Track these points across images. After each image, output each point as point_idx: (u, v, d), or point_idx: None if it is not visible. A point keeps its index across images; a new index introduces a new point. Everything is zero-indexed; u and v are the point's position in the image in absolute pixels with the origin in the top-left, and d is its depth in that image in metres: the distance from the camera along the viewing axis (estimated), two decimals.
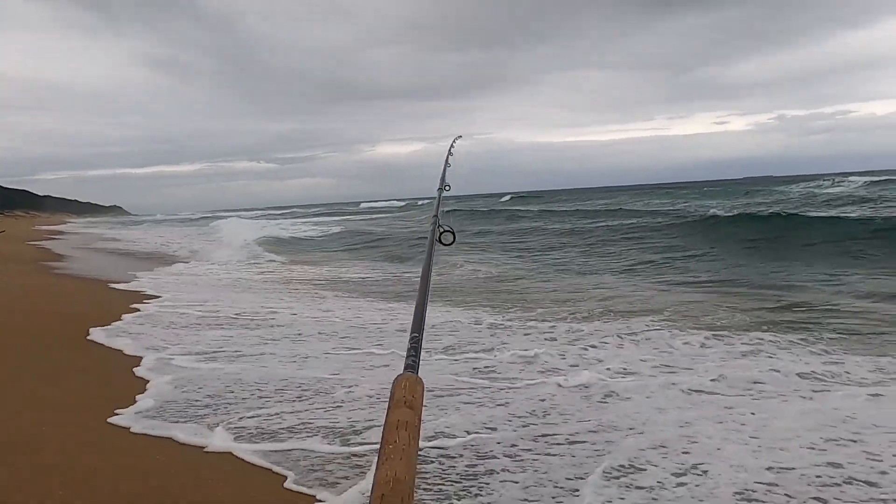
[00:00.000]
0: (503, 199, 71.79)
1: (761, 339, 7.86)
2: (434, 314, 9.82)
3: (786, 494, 4.12)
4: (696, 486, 4.27)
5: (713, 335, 8.09)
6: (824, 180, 54.78)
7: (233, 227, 39.84)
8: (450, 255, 17.61)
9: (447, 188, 3.79)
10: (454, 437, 5.13)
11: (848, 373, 6.47)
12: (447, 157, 4.42)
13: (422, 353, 1.79)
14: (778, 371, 6.53)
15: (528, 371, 6.91)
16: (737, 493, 4.16)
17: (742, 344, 7.67)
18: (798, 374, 6.44)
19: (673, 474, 4.43)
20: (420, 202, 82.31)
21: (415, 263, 18.70)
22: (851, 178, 52.42)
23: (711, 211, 20.62)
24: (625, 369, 6.87)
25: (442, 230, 2.77)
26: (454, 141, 5.04)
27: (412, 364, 1.59)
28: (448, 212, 44.26)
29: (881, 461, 4.52)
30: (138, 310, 10.47)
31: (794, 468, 4.44)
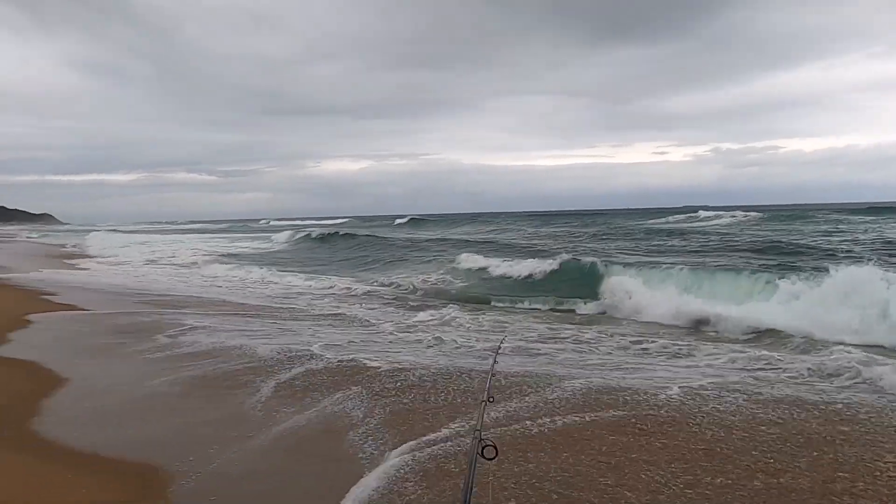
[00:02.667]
0: (397, 223, 71.12)
1: None
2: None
3: None
4: None
5: None
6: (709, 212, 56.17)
7: (98, 239, 42.93)
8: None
9: (490, 400, 3.35)
10: None
11: None
12: (491, 368, 3.85)
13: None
14: None
15: None
16: None
17: None
18: None
19: None
20: (304, 227, 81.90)
21: None
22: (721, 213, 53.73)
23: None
24: None
25: (484, 444, 2.47)
26: (500, 344, 4.76)
27: None
28: (318, 236, 44.11)
29: None
30: None
31: None
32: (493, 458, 2.41)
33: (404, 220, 74.38)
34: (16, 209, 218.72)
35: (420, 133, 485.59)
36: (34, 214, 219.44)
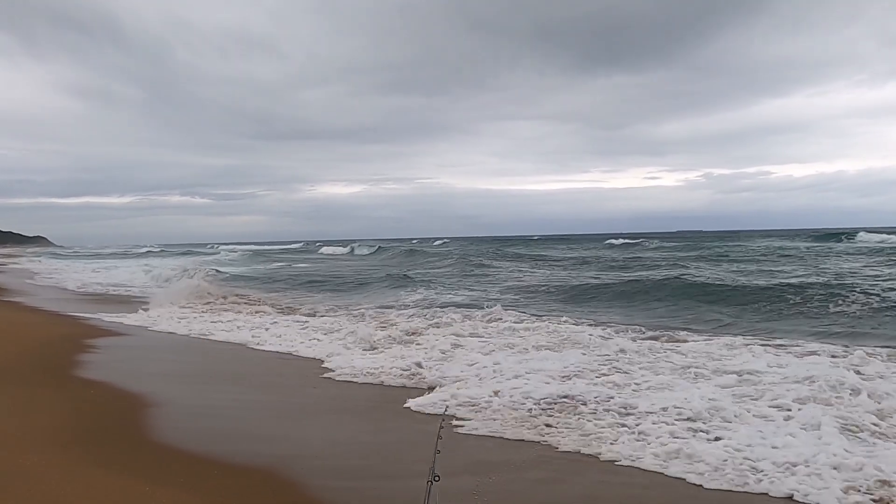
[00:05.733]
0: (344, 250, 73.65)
1: None
2: None
3: None
4: None
5: None
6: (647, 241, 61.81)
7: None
8: None
9: (436, 479, 3.02)
10: None
11: None
12: (436, 443, 3.49)
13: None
14: None
15: None
16: None
17: None
18: None
19: None
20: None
21: None
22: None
23: None
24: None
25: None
26: (442, 420, 4.51)
27: None
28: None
29: None
30: None
31: None
32: None
33: (362, 247, 76.16)
34: (10, 232, 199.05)
35: (414, 157, 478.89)
36: (28, 237, 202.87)
